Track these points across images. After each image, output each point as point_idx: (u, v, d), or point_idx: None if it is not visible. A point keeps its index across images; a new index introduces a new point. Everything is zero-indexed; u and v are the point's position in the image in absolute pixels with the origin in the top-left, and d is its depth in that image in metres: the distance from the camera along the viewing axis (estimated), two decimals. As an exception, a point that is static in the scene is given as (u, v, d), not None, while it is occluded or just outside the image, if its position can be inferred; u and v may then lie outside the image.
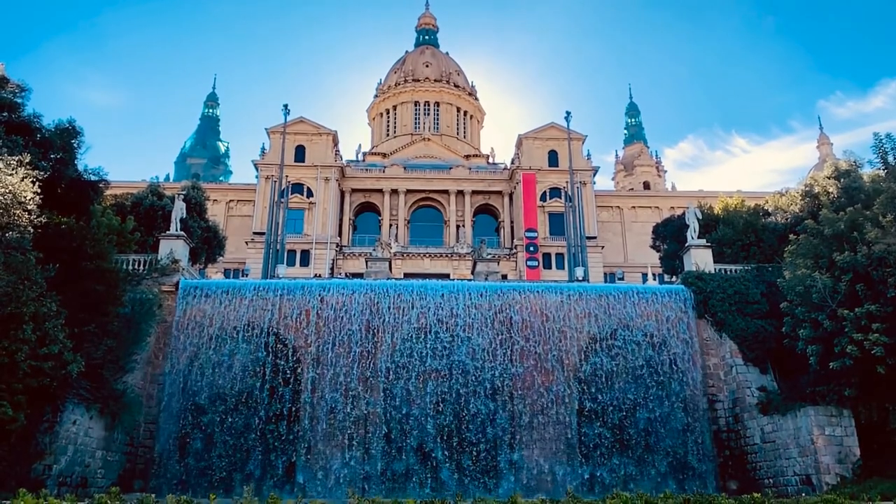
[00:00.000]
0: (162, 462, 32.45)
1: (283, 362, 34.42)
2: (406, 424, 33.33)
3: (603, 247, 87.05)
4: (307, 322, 34.97)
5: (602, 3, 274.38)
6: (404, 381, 34.04)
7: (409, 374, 34.16)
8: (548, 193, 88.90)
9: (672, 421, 34.41)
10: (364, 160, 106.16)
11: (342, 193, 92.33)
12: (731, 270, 38.39)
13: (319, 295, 35.67)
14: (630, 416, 34.33)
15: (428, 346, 34.50)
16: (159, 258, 37.12)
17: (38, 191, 26.12)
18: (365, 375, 33.88)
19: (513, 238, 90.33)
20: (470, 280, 46.46)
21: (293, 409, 33.72)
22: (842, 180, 37.78)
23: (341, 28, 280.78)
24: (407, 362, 34.33)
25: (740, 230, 41.58)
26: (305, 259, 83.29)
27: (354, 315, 35.02)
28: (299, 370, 34.35)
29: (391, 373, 34.17)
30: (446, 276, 72.70)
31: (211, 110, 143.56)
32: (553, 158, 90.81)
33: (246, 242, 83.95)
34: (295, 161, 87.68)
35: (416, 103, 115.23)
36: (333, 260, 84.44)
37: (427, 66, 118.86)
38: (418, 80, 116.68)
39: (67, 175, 32.28)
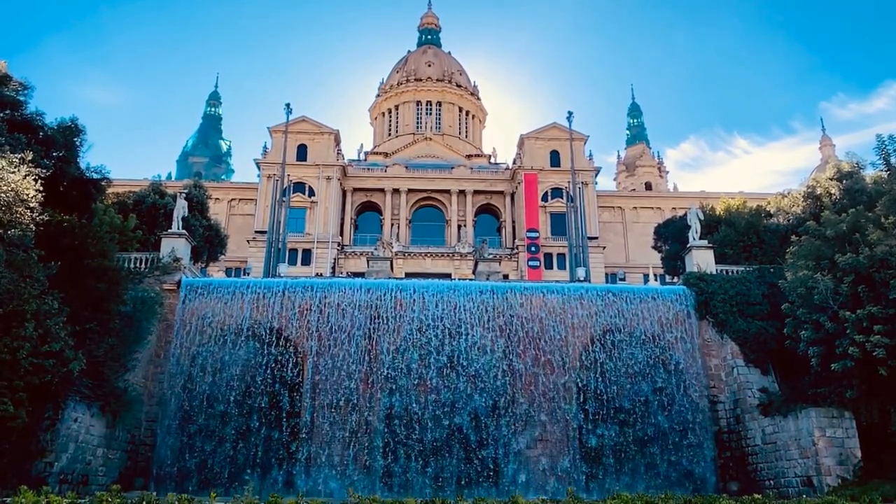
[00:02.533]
0: (163, 460, 32.45)
1: (284, 361, 34.39)
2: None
3: (604, 247, 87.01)
4: (308, 320, 34.96)
5: (604, 4, 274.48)
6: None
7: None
8: (549, 193, 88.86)
9: (673, 422, 34.35)
10: (366, 159, 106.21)
11: (344, 193, 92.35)
12: (732, 271, 38.35)
13: (321, 294, 35.67)
14: (631, 416, 34.26)
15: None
16: (161, 256, 37.13)
17: (41, 189, 26.14)
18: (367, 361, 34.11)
19: (514, 238, 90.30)
20: (471, 280, 46.48)
21: (294, 406, 33.70)
22: (844, 182, 37.75)
23: (344, 27, 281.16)
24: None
25: (742, 231, 41.56)
26: (307, 258, 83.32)
27: (356, 313, 35.11)
28: (300, 368, 34.34)
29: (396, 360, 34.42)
30: (447, 276, 72.68)
31: (213, 109, 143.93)
32: (555, 158, 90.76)
33: (248, 241, 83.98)
34: (297, 160, 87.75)
35: (419, 103, 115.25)
36: (335, 259, 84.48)
37: (429, 65, 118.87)
38: (420, 80, 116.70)
39: (69, 173, 32.30)
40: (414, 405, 33.37)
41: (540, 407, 33.76)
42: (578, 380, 34.53)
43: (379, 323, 34.84)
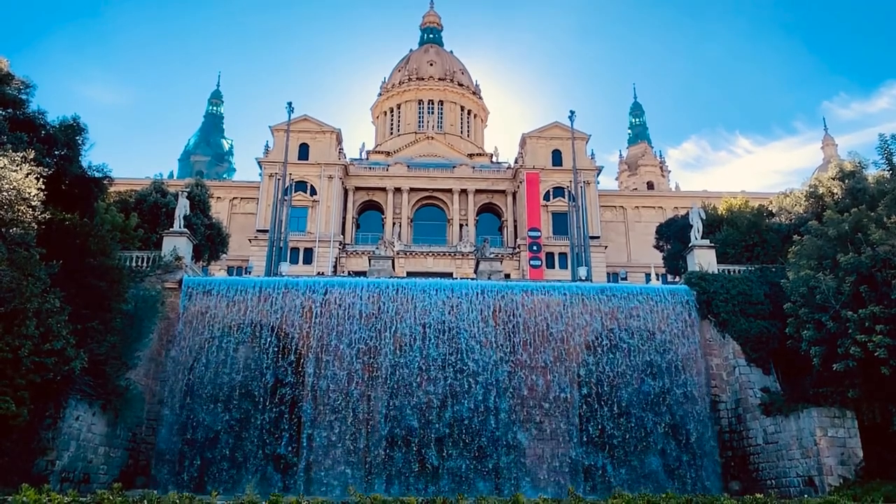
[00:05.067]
0: (164, 459, 32.48)
1: (285, 359, 34.40)
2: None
3: (606, 246, 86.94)
4: (310, 319, 34.96)
5: (606, 3, 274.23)
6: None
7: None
8: (551, 193, 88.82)
9: (674, 421, 34.31)
10: (368, 158, 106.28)
11: (345, 191, 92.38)
12: (734, 271, 38.28)
13: (323, 292, 35.67)
14: (632, 415, 34.23)
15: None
16: (162, 255, 37.13)
17: (42, 187, 26.20)
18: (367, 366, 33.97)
19: (516, 237, 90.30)
20: (473, 279, 46.49)
21: (295, 405, 33.71)
22: (846, 181, 37.69)
23: (346, 26, 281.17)
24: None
25: (744, 231, 41.53)
26: (308, 257, 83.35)
27: (357, 313, 35.09)
28: (301, 367, 34.35)
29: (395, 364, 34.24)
30: (449, 275, 72.73)
31: (215, 108, 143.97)
32: (557, 158, 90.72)
33: (249, 240, 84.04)
34: (298, 159, 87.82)
35: (420, 102, 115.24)
36: (336, 258, 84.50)
37: (431, 64, 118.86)
38: (422, 79, 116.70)
39: (71, 172, 32.37)
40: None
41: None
42: (583, 456, 33.67)
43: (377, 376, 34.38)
